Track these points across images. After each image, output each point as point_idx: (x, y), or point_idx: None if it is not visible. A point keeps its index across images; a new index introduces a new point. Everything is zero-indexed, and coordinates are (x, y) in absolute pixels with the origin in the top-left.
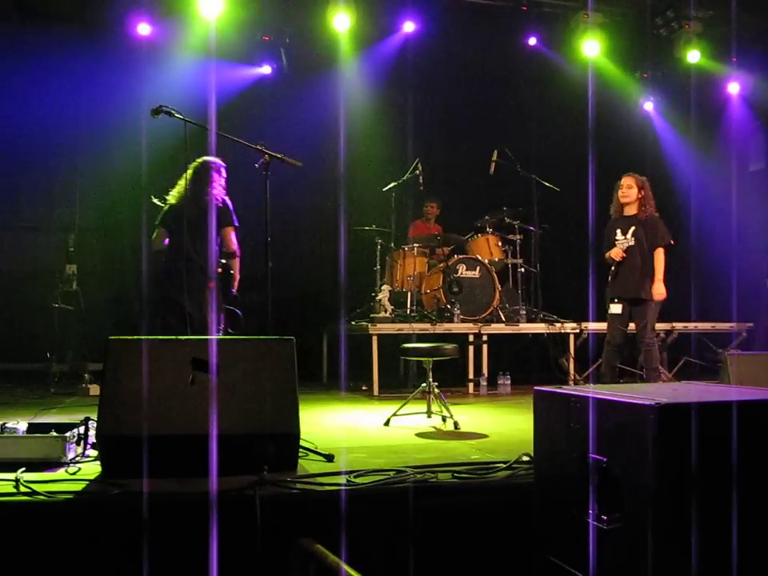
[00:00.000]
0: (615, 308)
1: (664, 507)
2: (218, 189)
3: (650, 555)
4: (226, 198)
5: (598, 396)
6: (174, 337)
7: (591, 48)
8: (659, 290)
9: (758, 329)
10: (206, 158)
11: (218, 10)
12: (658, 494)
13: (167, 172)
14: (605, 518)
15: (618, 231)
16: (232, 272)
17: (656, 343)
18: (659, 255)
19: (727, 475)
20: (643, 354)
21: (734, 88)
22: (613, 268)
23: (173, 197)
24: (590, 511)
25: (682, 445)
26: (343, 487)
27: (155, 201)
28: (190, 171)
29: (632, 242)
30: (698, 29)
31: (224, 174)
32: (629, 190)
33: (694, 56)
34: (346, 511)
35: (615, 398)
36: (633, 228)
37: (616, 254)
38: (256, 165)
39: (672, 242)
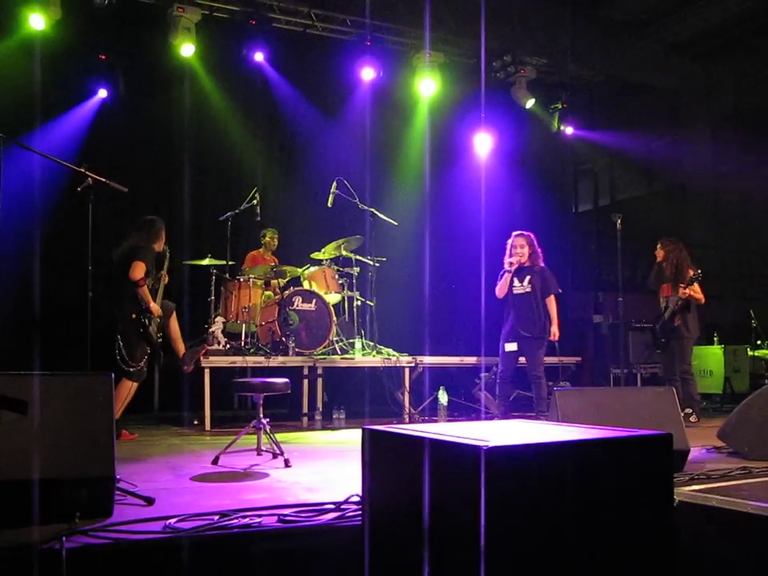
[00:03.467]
0: (510, 346)
1: (493, 550)
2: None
3: None
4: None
5: (429, 435)
6: None
7: (428, 86)
8: (556, 332)
9: (585, 363)
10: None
11: (45, 23)
12: (486, 537)
13: None
14: (434, 560)
15: (516, 279)
16: (145, 307)
17: (543, 376)
18: (552, 302)
19: (553, 515)
20: (534, 386)
21: (566, 131)
22: (509, 309)
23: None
24: (421, 553)
25: (510, 486)
26: (159, 535)
27: None
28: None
29: (528, 289)
30: (532, 75)
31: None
32: (522, 250)
33: (528, 102)
34: (163, 561)
35: (444, 439)
36: (528, 277)
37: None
38: (78, 188)
39: (560, 291)
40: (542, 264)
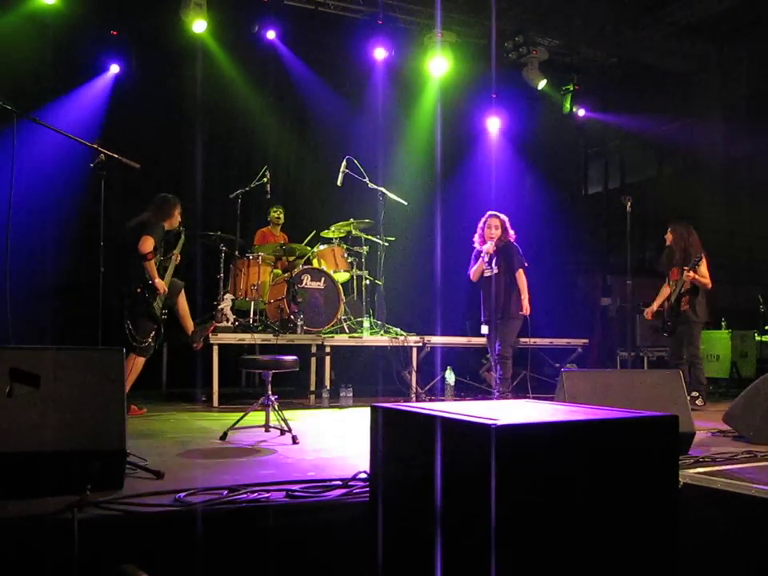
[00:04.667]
0: (485, 328)
1: (504, 528)
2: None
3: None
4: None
5: (438, 414)
6: None
7: (440, 66)
8: (526, 306)
9: (592, 345)
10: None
11: None
12: (498, 514)
13: None
14: (445, 537)
15: (485, 265)
16: (150, 282)
17: (511, 357)
18: (521, 277)
19: (560, 493)
20: (500, 366)
21: (578, 113)
22: (481, 293)
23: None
24: (430, 530)
25: (519, 464)
26: (169, 508)
27: None
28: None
29: (496, 270)
30: (544, 56)
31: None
32: (496, 231)
33: (540, 83)
34: (173, 533)
35: (454, 417)
36: (495, 258)
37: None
38: (91, 164)
39: (527, 264)
40: (507, 240)
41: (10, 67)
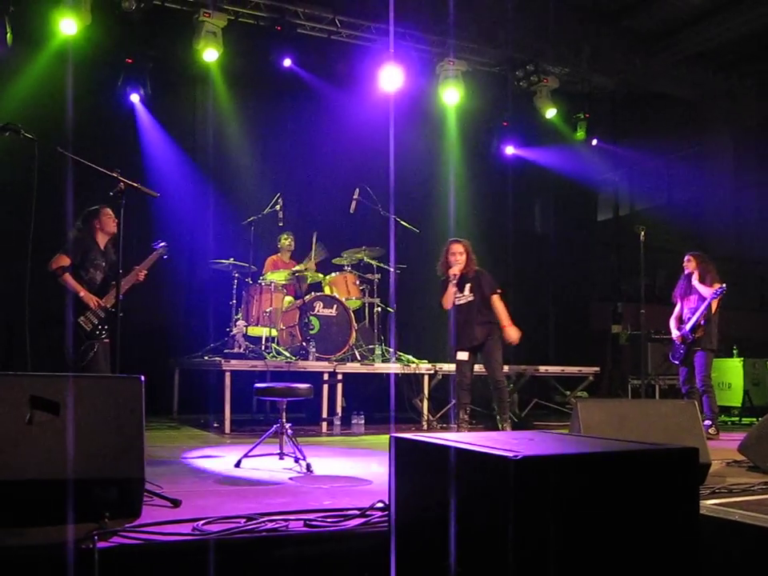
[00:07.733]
0: (462, 355)
1: (524, 560)
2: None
3: None
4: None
5: (457, 445)
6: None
7: (452, 95)
8: (512, 335)
9: (603, 373)
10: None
11: (76, 28)
12: (516, 546)
13: (12, 194)
14: (463, 569)
15: (456, 290)
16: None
17: (504, 380)
18: (497, 302)
19: (581, 528)
20: (496, 392)
21: (588, 141)
22: (455, 320)
23: None
24: (450, 562)
25: (541, 497)
26: (188, 537)
27: None
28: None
29: (471, 297)
30: (554, 84)
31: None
32: (461, 257)
33: (550, 112)
34: (194, 563)
35: (473, 449)
36: (468, 285)
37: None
38: (111, 193)
39: (500, 291)
40: (476, 267)
41: (35, 97)
